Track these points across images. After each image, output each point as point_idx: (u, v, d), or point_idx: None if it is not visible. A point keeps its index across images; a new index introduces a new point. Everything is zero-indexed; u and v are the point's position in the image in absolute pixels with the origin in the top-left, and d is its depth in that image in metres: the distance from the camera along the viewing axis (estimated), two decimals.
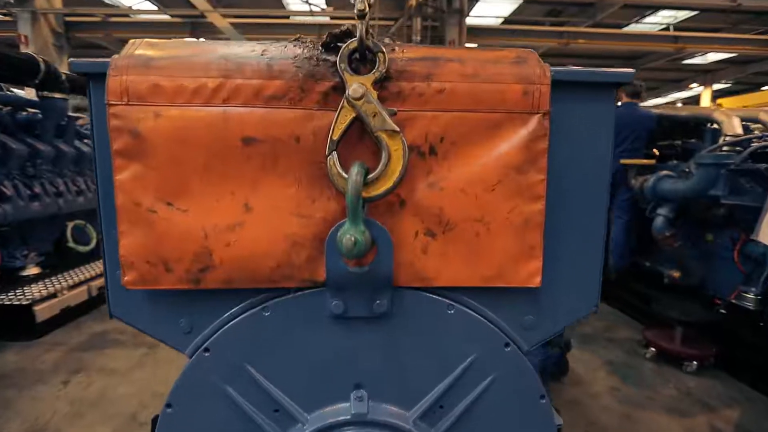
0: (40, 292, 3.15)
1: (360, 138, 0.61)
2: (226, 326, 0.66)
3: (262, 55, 0.60)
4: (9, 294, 3.08)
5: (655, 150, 4.08)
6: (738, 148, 3.02)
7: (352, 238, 0.53)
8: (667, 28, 12.03)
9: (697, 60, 15.24)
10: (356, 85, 0.56)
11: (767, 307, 2.57)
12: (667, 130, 4.07)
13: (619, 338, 3.23)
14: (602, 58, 15.99)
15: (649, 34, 11.83)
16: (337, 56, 0.59)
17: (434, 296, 0.66)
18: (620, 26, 12.01)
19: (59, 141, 3.73)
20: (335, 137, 0.58)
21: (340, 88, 0.59)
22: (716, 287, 3.17)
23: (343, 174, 0.57)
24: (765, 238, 2.47)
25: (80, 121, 4.54)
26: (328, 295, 0.64)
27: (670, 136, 4.14)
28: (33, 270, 3.43)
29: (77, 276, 3.57)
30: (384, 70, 0.58)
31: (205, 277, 0.61)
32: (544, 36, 10.64)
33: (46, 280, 3.40)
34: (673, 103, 24.53)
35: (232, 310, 0.66)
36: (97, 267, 3.89)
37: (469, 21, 9.14)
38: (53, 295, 3.20)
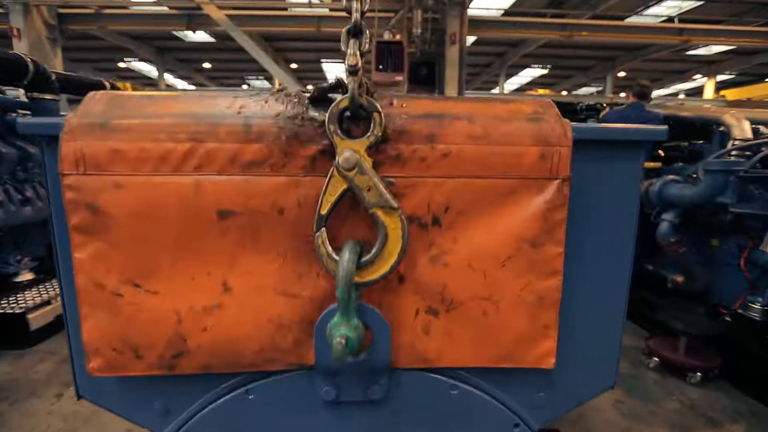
0: (33, 299, 3.10)
1: (353, 206, 0.54)
2: (205, 409, 0.59)
3: (238, 113, 0.52)
4: (2, 301, 3.03)
5: (660, 151, 3.99)
6: (748, 153, 2.94)
7: (342, 341, 0.47)
8: (671, 20, 11.80)
9: (701, 51, 15.00)
10: (348, 153, 0.48)
11: None
12: (673, 130, 3.98)
13: (623, 346, 3.19)
14: (605, 48, 15.74)
15: (654, 26, 11.61)
16: (325, 114, 0.52)
17: (436, 376, 0.60)
18: (622, 17, 11.78)
19: None
20: (324, 212, 0.51)
21: (329, 152, 0.52)
22: (721, 294, 3.12)
23: (334, 255, 0.50)
24: None
25: None
26: (318, 380, 0.58)
27: (677, 137, 4.04)
28: (27, 276, 3.37)
29: None
30: (380, 133, 0.50)
31: (180, 362, 0.55)
32: (546, 28, 10.43)
33: (40, 287, 3.34)
34: (676, 94, 24.27)
35: (212, 392, 0.60)
36: None
37: (470, 12, 8.93)
38: (47, 303, 3.15)
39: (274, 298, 0.54)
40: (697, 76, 19.52)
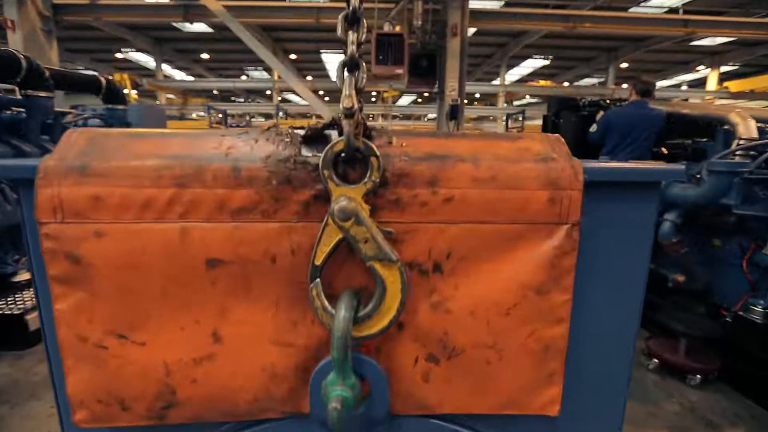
0: (32, 299, 3.08)
1: (350, 251, 0.51)
2: None
3: (226, 155, 0.49)
4: (1, 302, 3.02)
5: (663, 149, 3.94)
6: (753, 153, 2.90)
7: (338, 406, 0.44)
8: (674, 10, 11.61)
9: (704, 42, 14.81)
10: (344, 202, 0.45)
11: None
12: (676, 128, 3.93)
13: None
14: (607, 39, 15.54)
15: (658, 17, 11.42)
16: (319, 156, 0.48)
17: (436, 422, 0.58)
18: (625, 8, 11.59)
19: (46, 140, 3.58)
20: (318, 262, 0.48)
21: (324, 196, 0.49)
22: (722, 294, 3.10)
23: (329, 308, 0.48)
24: None
25: (69, 117, 4.39)
26: (314, 428, 0.56)
27: (680, 135, 4.00)
28: (25, 275, 3.35)
29: None
30: (377, 179, 0.47)
31: (169, 413, 0.52)
32: (548, 19, 10.26)
33: None
34: (679, 85, 24.03)
35: None
36: None
37: (472, 4, 8.77)
38: None
39: (267, 347, 0.52)
40: (701, 67, 19.31)
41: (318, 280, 0.48)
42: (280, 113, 7.70)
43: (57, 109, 4.04)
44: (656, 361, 2.82)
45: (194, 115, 20.14)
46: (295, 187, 0.48)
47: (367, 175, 0.47)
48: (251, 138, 0.51)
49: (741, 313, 2.74)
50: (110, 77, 4.33)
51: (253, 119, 26.73)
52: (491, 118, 26.29)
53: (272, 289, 0.51)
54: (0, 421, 2.23)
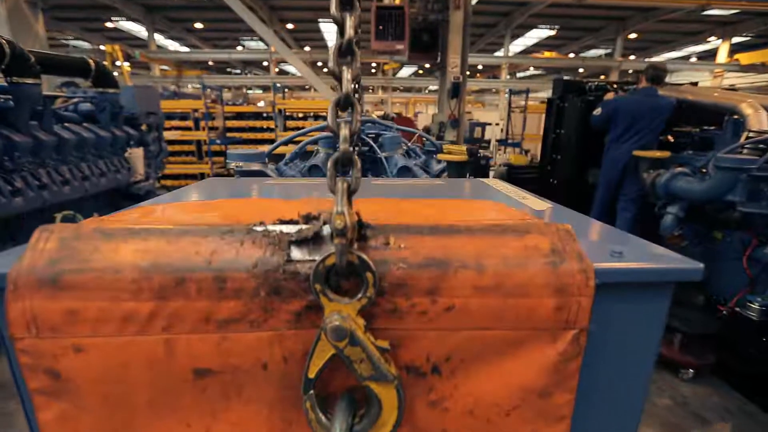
0: None
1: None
2: None
3: (209, 262, 0.45)
4: None
5: (669, 137, 3.85)
6: (762, 146, 2.83)
7: None
8: None
9: (717, 11, 14.22)
10: (337, 322, 0.42)
11: None
12: (685, 115, 3.82)
13: None
14: (616, 9, 14.92)
15: None
16: (311, 259, 0.45)
17: None
18: None
19: (36, 129, 3.49)
20: (311, 376, 0.45)
21: (316, 306, 0.45)
22: (719, 287, 3.12)
23: (324, 420, 0.46)
24: None
25: (58, 101, 4.26)
26: None
27: (688, 122, 3.89)
28: None
29: None
30: (373, 295, 0.44)
31: None
32: None
33: None
34: (688, 57, 23.28)
35: None
36: None
37: None
38: None
39: None
40: (712, 38, 18.64)
41: (312, 392, 0.46)
42: (279, 93, 7.46)
43: (46, 93, 3.91)
44: None
45: (189, 87, 19.64)
46: (285, 298, 0.45)
47: (362, 290, 0.43)
48: (236, 240, 0.47)
49: (737, 309, 2.76)
50: (100, 60, 4.16)
51: (249, 92, 26.09)
52: (494, 90, 25.65)
53: (265, 393, 0.49)
54: (10, 420, 2.28)
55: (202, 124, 7.71)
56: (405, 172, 2.41)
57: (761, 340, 2.50)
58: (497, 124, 18.97)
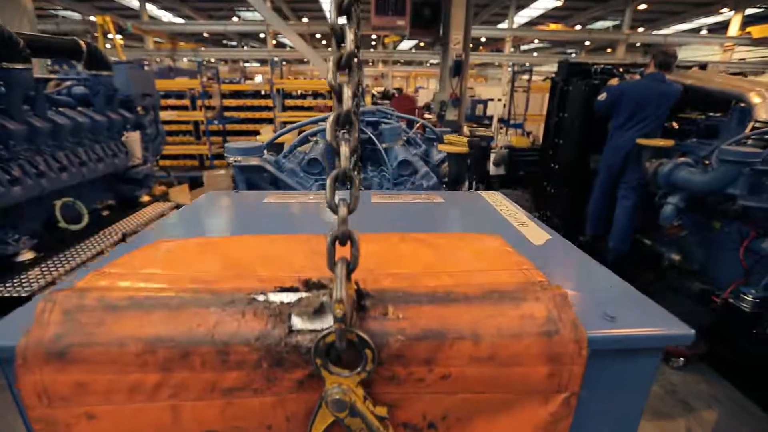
0: (38, 281, 3.14)
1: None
2: None
3: (212, 336, 0.46)
4: (7, 284, 3.07)
5: (674, 124, 3.79)
6: (767, 136, 2.80)
7: None
8: None
9: None
10: (338, 395, 0.44)
11: (763, 313, 2.58)
12: (691, 100, 3.74)
13: None
14: None
15: None
16: (312, 329, 0.46)
17: None
18: None
19: (30, 115, 3.43)
20: None
21: (317, 375, 0.47)
22: (715, 277, 3.16)
23: None
24: None
25: (51, 85, 4.17)
26: None
27: (695, 108, 3.82)
28: (28, 255, 3.38)
29: (73, 259, 3.54)
30: (373, 369, 0.45)
31: None
32: None
33: (43, 266, 3.37)
34: (698, 29, 22.52)
35: None
36: (92, 245, 3.84)
37: None
38: (52, 282, 3.20)
39: None
40: (724, 9, 17.97)
41: None
42: (277, 70, 7.24)
43: (37, 75, 3.82)
44: None
45: (184, 60, 19.08)
46: (287, 368, 0.46)
47: (362, 365, 0.45)
48: (238, 311, 0.47)
49: (731, 300, 2.81)
50: (91, 31, 4.03)
51: (246, 65, 25.40)
52: (497, 63, 24.97)
53: None
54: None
55: (199, 102, 7.56)
56: (405, 165, 2.39)
57: (752, 331, 2.56)
58: (500, 100, 18.59)
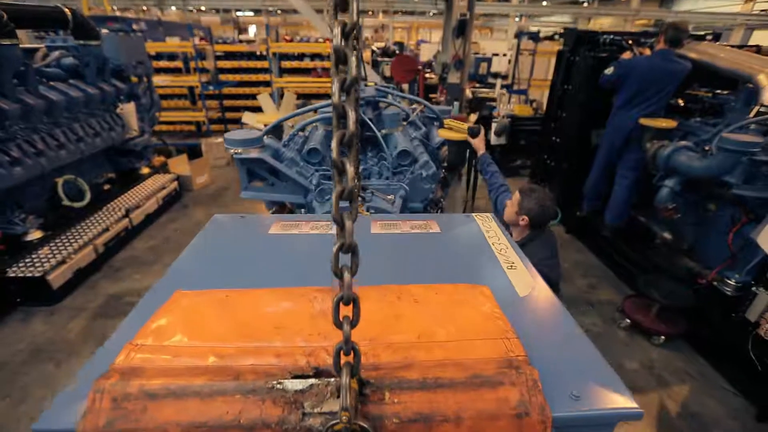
0: (49, 261, 3.25)
1: None
2: None
3: (239, 422, 0.54)
4: (20, 264, 3.19)
5: (680, 100, 3.72)
6: None
7: None
8: None
9: None
10: None
11: (743, 297, 2.71)
12: (700, 76, 3.64)
13: (600, 301, 3.47)
14: None
15: None
16: (323, 413, 0.54)
17: None
18: None
19: (22, 92, 3.37)
20: None
21: None
22: (704, 257, 3.28)
23: None
24: (764, 242, 2.47)
25: (39, 55, 4.03)
26: None
27: (703, 84, 3.73)
28: (36, 234, 3.47)
29: (81, 237, 3.63)
30: None
31: None
32: None
33: (52, 245, 3.47)
34: None
35: None
36: (96, 222, 3.92)
37: None
38: (63, 262, 3.32)
39: None
40: None
41: None
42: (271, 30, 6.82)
43: (23, 46, 3.69)
44: (628, 321, 3.11)
45: (173, 9, 17.98)
46: None
47: None
48: (259, 399, 0.56)
49: (715, 282, 2.94)
50: (75, 8, 3.83)
51: (239, 13, 23.98)
52: (504, 14, 23.63)
53: None
54: (49, 379, 2.57)
55: (192, 64, 7.30)
56: (405, 155, 2.40)
57: (731, 314, 2.71)
58: (504, 55, 17.73)
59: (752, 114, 2.90)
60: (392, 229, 1.15)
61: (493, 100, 9.13)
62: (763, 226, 2.51)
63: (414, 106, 3.21)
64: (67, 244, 3.51)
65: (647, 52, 3.61)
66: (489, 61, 13.28)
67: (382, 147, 2.54)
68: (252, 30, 24.40)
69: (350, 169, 0.49)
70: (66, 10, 3.72)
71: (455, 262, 0.99)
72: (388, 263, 1.00)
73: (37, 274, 3.10)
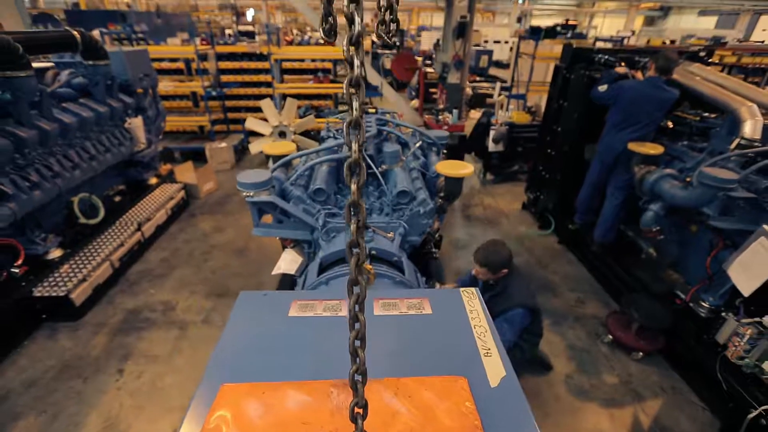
0: (71, 279, 3.47)
1: None
2: None
3: None
4: (44, 283, 3.41)
5: (669, 123, 3.86)
6: (751, 154, 2.93)
7: None
8: None
9: None
10: None
11: (715, 320, 2.94)
12: (689, 99, 3.78)
13: (586, 316, 3.70)
14: None
15: None
16: None
17: None
18: None
19: (38, 118, 3.51)
20: None
21: None
22: (686, 272, 3.50)
23: None
24: (735, 275, 2.68)
25: (49, 75, 4.15)
26: None
27: (693, 105, 3.86)
28: (56, 252, 3.68)
29: (98, 253, 3.84)
30: None
31: None
32: None
33: (71, 262, 3.69)
34: None
35: None
36: (111, 237, 4.12)
37: None
38: (83, 279, 3.54)
39: None
40: None
41: None
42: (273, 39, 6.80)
43: (34, 65, 3.80)
44: (611, 337, 3.34)
45: None
46: None
47: None
48: None
49: (691, 304, 3.17)
50: (84, 30, 3.93)
51: None
52: None
53: None
54: (79, 395, 2.82)
55: (194, 65, 7.36)
56: (404, 195, 2.58)
57: (703, 335, 2.94)
58: (506, 42, 17.53)
59: (733, 145, 3.06)
60: (391, 309, 1.35)
61: (492, 96, 9.20)
62: (734, 257, 2.71)
63: (413, 136, 3.36)
64: (86, 261, 3.72)
65: (639, 75, 3.73)
66: (490, 54, 13.21)
67: (383, 185, 2.72)
68: (250, 14, 23.98)
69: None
70: (75, 33, 3.82)
71: (443, 349, 1.20)
72: (388, 348, 1.20)
73: (62, 294, 3.32)
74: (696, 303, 3.14)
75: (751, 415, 2.46)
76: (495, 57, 14.98)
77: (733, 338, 2.68)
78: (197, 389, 1.06)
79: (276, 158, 3.11)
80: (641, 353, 3.20)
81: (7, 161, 3.19)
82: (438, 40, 12.27)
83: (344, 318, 1.20)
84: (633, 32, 19.42)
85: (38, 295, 3.31)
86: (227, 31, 13.74)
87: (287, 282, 2.96)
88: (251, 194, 2.43)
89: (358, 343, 0.69)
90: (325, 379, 1.05)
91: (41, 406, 2.73)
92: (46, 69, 4.15)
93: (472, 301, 1.41)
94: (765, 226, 2.51)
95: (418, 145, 3.11)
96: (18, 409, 2.69)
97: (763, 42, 12.76)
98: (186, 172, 5.68)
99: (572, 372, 3.10)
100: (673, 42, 11.55)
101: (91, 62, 4.08)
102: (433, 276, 2.95)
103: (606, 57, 4.14)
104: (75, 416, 2.67)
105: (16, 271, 3.29)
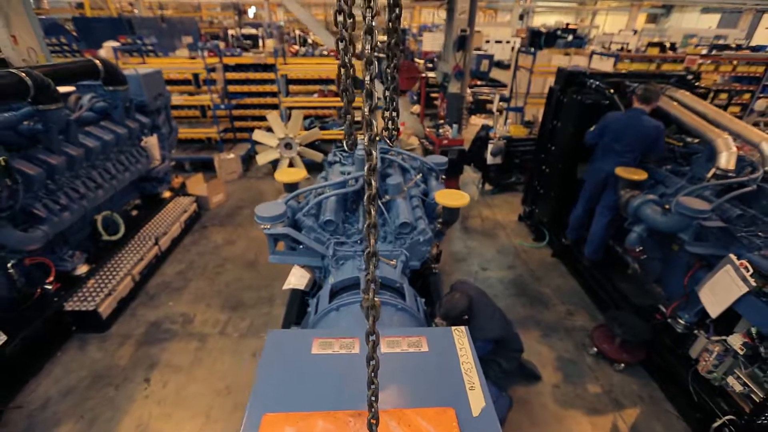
0: (98, 293, 3.76)
1: None
2: None
3: None
4: (74, 298, 3.70)
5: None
6: (730, 177, 3.18)
7: None
8: None
9: None
10: None
11: (689, 336, 3.21)
12: (674, 125, 4.02)
13: (575, 328, 3.98)
14: None
15: None
16: None
17: None
18: None
19: (66, 144, 3.78)
20: None
21: None
22: (667, 288, 3.77)
23: None
24: (704, 298, 2.95)
25: (71, 100, 4.41)
26: None
27: (679, 130, 4.10)
28: (83, 268, 3.97)
29: (121, 268, 4.13)
30: None
31: None
32: None
33: (97, 277, 3.98)
34: None
35: None
36: (131, 252, 4.41)
37: None
38: (109, 294, 3.83)
39: None
40: None
41: None
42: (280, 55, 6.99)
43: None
44: (596, 349, 3.63)
45: None
46: None
47: None
48: None
49: (669, 320, 3.44)
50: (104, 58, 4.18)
51: None
52: None
53: None
54: (112, 402, 3.12)
55: (203, 76, 7.59)
56: (405, 226, 2.85)
57: (678, 350, 3.22)
58: (508, 42, 17.64)
59: (709, 175, 3.31)
60: (395, 347, 1.63)
61: (492, 102, 9.42)
62: (705, 281, 2.98)
63: (414, 159, 3.61)
64: (110, 275, 4.02)
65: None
66: (491, 58, 13.38)
67: (385, 214, 2.98)
68: (251, 11, 24.07)
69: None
70: (97, 62, 4.08)
71: (436, 382, 1.47)
72: (392, 382, 1.47)
73: (91, 308, 3.62)
74: (674, 319, 3.42)
75: (715, 424, 2.74)
76: (496, 57, 15.13)
77: (704, 354, 2.96)
78: (245, 419, 1.33)
79: (289, 186, 3.38)
80: (623, 364, 3.48)
81: (40, 187, 3.47)
82: (438, 63, 12.44)
83: (357, 355, 1.50)
84: (635, 31, 19.50)
85: (69, 309, 3.60)
86: (230, 32, 13.92)
87: (297, 294, 3.26)
88: (268, 226, 2.70)
89: (373, 374, 0.96)
90: (344, 409, 1.33)
91: (79, 412, 3.03)
92: (69, 94, 4.40)
93: (461, 339, 1.68)
94: (731, 255, 2.78)
95: (418, 177, 3.37)
96: (59, 416, 2.99)
97: (762, 47, 12.89)
98: (197, 185, 5.95)
99: (559, 382, 3.39)
100: (673, 45, 11.69)
101: (111, 88, 4.34)
102: (432, 292, 3.24)
103: (597, 83, 4.37)
104: (110, 422, 2.97)
105: (50, 287, 3.58)
